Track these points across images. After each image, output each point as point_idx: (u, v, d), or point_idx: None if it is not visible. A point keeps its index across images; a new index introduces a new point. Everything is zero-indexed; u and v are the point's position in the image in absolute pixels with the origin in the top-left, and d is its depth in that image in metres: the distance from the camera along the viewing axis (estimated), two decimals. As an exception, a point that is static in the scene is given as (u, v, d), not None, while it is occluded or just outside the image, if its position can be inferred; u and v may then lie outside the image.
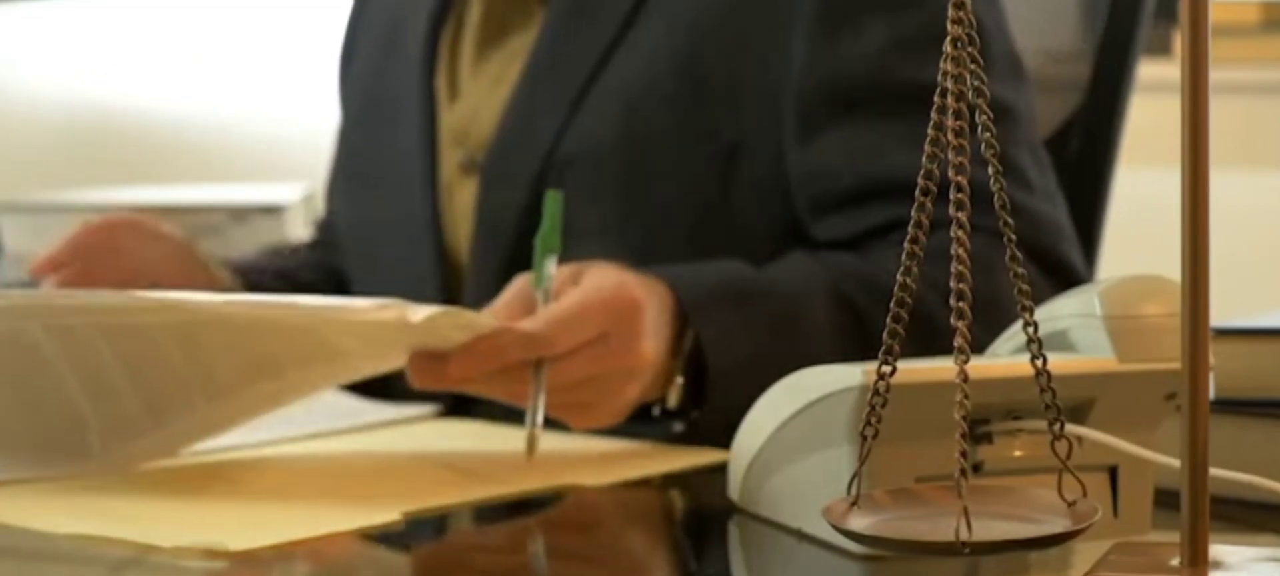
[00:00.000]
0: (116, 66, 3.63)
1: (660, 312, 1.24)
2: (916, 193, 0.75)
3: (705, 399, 1.25)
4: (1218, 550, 0.77)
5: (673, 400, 1.24)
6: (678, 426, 1.27)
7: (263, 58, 3.59)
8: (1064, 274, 1.38)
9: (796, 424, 0.95)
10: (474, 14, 1.53)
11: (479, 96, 1.51)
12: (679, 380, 1.25)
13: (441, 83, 1.53)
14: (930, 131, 0.74)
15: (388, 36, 1.59)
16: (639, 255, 1.32)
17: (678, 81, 1.42)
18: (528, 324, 1.19)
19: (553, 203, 1.26)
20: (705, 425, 1.24)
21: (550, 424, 1.28)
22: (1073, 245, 1.42)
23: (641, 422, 1.26)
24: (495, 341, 1.17)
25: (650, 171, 1.42)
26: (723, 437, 1.07)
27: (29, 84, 3.65)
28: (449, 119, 1.52)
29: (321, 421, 1.30)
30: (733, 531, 1.02)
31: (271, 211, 2.31)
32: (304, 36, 3.48)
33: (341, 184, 1.64)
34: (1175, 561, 0.76)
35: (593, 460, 1.19)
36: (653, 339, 1.23)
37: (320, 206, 1.84)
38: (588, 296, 1.21)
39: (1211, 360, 0.76)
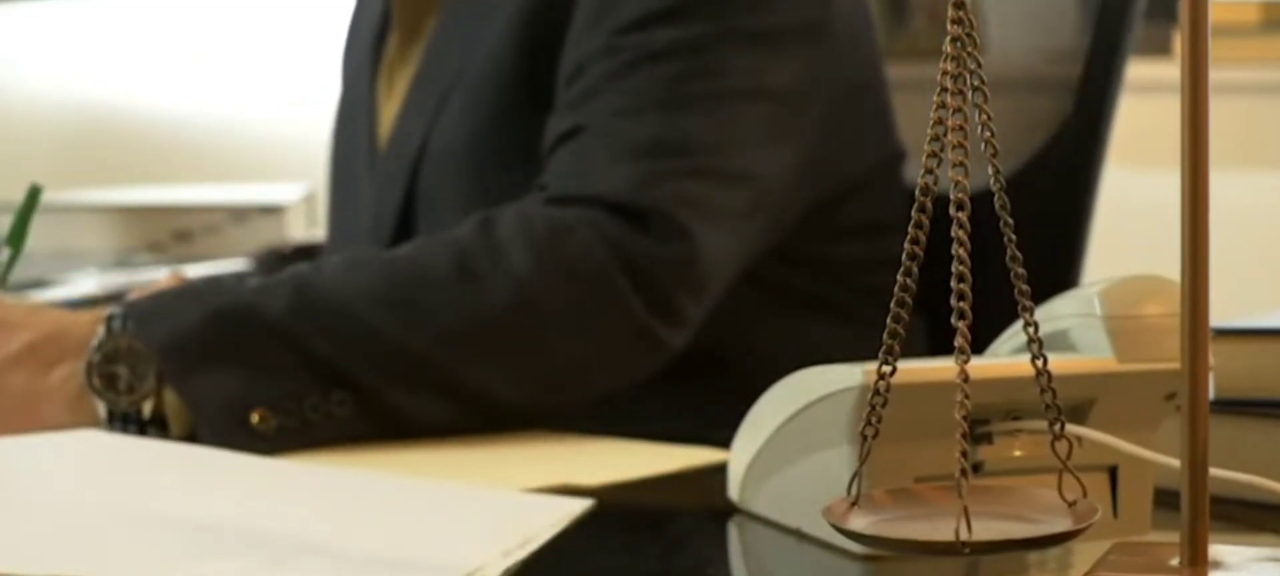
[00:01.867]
0: (116, 66, 3.63)
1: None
2: (917, 193, 0.74)
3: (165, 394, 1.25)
4: (1218, 550, 0.77)
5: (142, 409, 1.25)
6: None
7: (263, 58, 3.59)
8: (659, 224, 1.33)
9: (796, 424, 0.95)
10: (400, 15, 1.56)
11: (398, 97, 1.53)
12: (99, 404, 1.25)
13: (382, 84, 1.55)
14: (930, 130, 0.74)
15: (365, 40, 1.61)
16: None
17: (515, 62, 1.43)
18: None
19: (29, 195, 1.29)
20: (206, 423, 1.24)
21: (549, 423, 1.29)
22: (709, 198, 1.36)
23: (643, 424, 1.26)
24: None
25: (500, 156, 1.44)
26: (719, 436, 1.08)
27: (29, 84, 3.65)
28: (386, 121, 1.54)
29: None
30: (733, 531, 1.02)
31: (271, 211, 2.31)
32: (304, 36, 3.48)
33: (329, 186, 1.67)
34: (1175, 561, 0.76)
35: (592, 460, 1.19)
36: None
37: (320, 206, 1.85)
38: None
39: (1211, 360, 0.76)
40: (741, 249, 1.39)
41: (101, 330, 1.26)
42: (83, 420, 1.25)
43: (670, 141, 1.36)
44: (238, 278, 1.48)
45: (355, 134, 1.59)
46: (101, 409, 1.26)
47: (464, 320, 1.29)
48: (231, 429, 1.23)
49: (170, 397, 1.26)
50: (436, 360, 1.27)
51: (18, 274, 1.87)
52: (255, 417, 1.24)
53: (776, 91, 1.40)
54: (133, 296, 1.35)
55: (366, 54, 1.59)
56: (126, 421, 1.26)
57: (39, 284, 1.85)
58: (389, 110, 1.55)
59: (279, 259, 1.73)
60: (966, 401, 0.72)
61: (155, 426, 1.26)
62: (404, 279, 1.30)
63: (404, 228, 1.48)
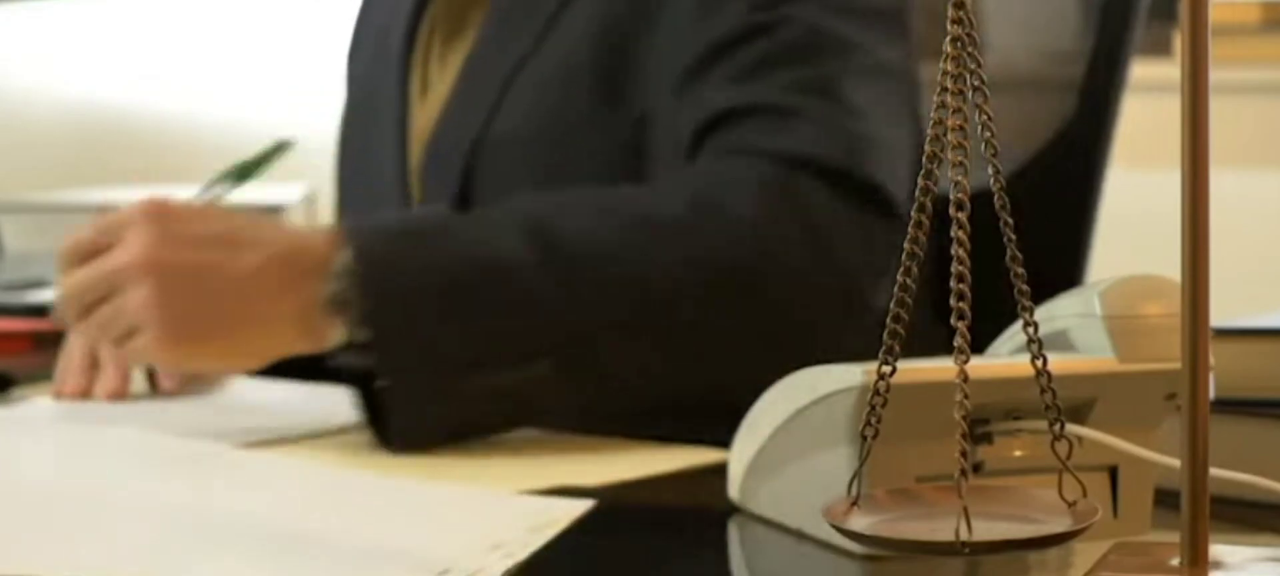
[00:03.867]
0: (116, 66, 3.63)
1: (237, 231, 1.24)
2: (916, 193, 0.74)
3: (386, 338, 1.23)
4: (1218, 550, 0.77)
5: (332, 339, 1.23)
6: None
7: (263, 58, 3.59)
8: (869, 193, 1.36)
9: (796, 424, 0.95)
10: (439, 11, 1.54)
11: (442, 92, 1.53)
12: (336, 330, 1.23)
13: (415, 81, 1.55)
14: (930, 130, 0.74)
15: (382, 36, 1.60)
16: None
17: (594, 58, 1.43)
18: None
19: (274, 148, 1.29)
20: (397, 367, 1.23)
21: (549, 424, 1.29)
22: (885, 162, 1.39)
23: (641, 424, 1.26)
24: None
25: (568, 151, 1.44)
26: (719, 436, 1.08)
27: (29, 84, 3.65)
28: (420, 116, 1.53)
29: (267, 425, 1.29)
30: (733, 531, 1.02)
31: (271, 211, 2.31)
32: (304, 36, 3.48)
33: (338, 183, 1.66)
34: (1175, 561, 0.76)
35: (592, 460, 1.19)
36: (169, 246, 1.23)
37: (320, 206, 1.85)
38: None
39: (1211, 360, 0.76)
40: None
41: (342, 257, 1.23)
42: (313, 344, 1.24)
43: (853, 110, 1.39)
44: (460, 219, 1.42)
45: (375, 132, 1.58)
46: (337, 336, 1.23)
47: (700, 263, 1.29)
48: (424, 398, 1.22)
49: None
50: (670, 299, 1.28)
51: (16, 274, 1.88)
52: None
53: (897, 70, 1.45)
54: (359, 223, 1.32)
55: (388, 52, 1.57)
56: (356, 350, 1.23)
57: (39, 284, 1.85)
58: (425, 107, 1.54)
59: None
60: (966, 401, 0.72)
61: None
62: (640, 216, 1.30)
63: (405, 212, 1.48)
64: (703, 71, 1.41)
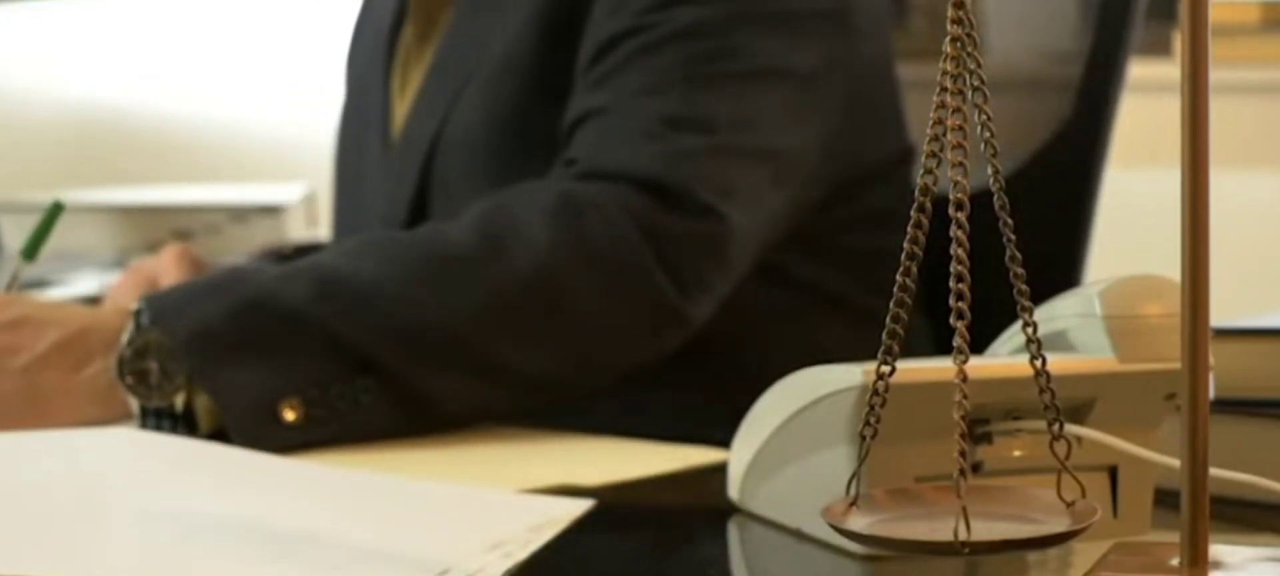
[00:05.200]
0: (116, 66, 3.63)
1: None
2: (916, 193, 0.74)
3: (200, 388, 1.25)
4: (1218, 550, 0.77)
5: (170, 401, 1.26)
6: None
7: (262, 58, 3.59)
8: (683, 201, 1.34)
9: (796, 424, 0.95)
10: (415, 10, 1.56)
11: (413, 92, 1.54)
12: (132, 399, 1.26)
13: (396, 80, 1.56)
14: (930, 130, 0.74)
15: (375, 38, 1.61)
16: None
17: (534, 53, 1.44)
18: None
19: (50, 213, 1.31)
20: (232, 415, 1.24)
21: (550, 423, 1.29)
22: (712, 173, 1.36)
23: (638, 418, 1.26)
24: None
25: (518, 146, 1.45)
26: (719, 436, 1.08)
27: (29, 84, 3.65)
28: (400, 115, 1.54)
29: None
30: (732, 531, 1.02)
31: (271, 211, 2.30)
32: (304, 36, 3.48)
33: (335, 183, 1.66)
34: (1175, 561, 0.76)
35: (591, 459, 1.19)
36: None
37: (320, 206, 1.86)
38: None
39: (1211, 360, 0.76)
40: (764, 225, 1.40)
41: (130, 325, 1.26)
42: (114, 416, 1.26)
43: (695, 119, 1.37)
44: (257, 266, 1.48)
45: (366, 131, 1.59)
46: (134, 404, 1.26)
47: (490, 295, 1.29)
48: (260, 424, 1.23)
49: (199, 393, 1.26)
50: (463, 336, 1.28)
51: (4, 273, 1.88)
52: (284, 411, 1.23)
53: (798, 72, 1.42)
54: (153, 291, 1.35)
55: (378, 51, 1.58)
56: (160, 416, 1.26)
57: (39, 284, 1.85)
58: (403, 105, 1.55)
59: (279, 259, 1.73)
60: (965, 401, 0.72)
61: (186, 421, 1.26)
62: (427, 256, 1.31)
63: (417, 218, 1.48)
64: (584, 71, 1.41)
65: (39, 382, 1.27)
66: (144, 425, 1.26)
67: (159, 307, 1.27)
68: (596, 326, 1.32)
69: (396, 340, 1.27)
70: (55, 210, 1.37)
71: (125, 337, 1.26)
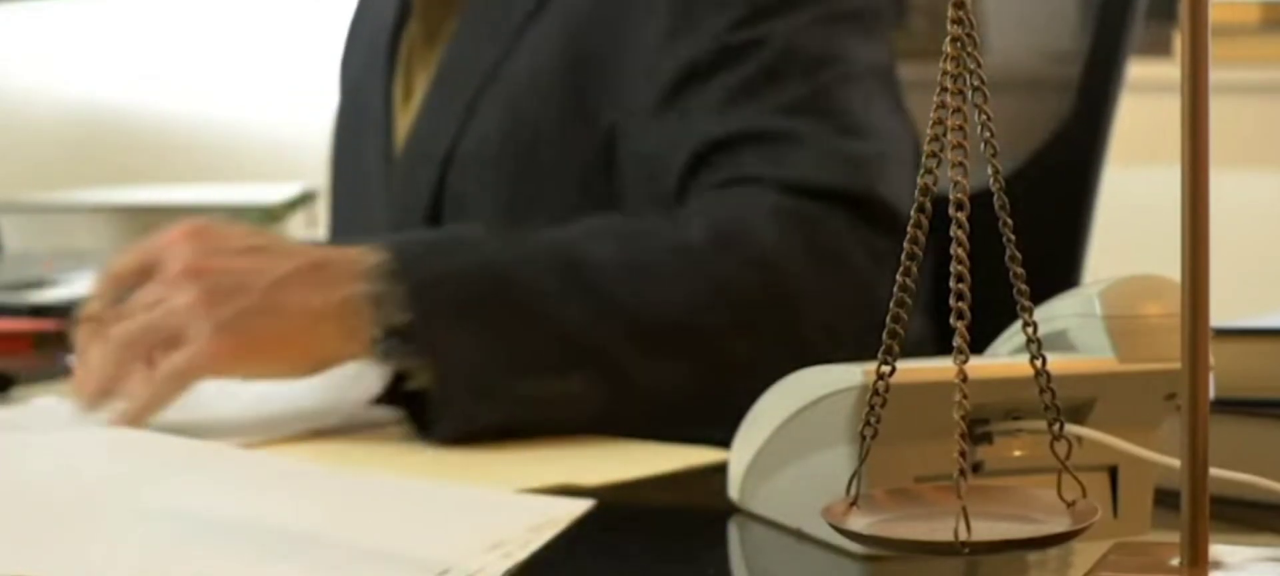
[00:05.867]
0: (116, 66, 3.63)
1: (293, 255, 1.26)
2: (916, 193, 0.74)
3: (430, 342, 1.25)
4: (1218, 550, 0.77)
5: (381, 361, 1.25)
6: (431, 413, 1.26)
7: (262, 58, 3.59)
8: (877, 208, 1.37)
9: (796, 424, 0.95)
10: (419, 14, 1.55)
11: (418, 98, 1.53)
12: (376, 320, 1.24)
13: (398, 85, 1.55)
14: (930, 130, 0.74)
15: (372, 42, 1.60)
16: None
17: (563, 74, 1.44)
18: None
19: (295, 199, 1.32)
20: (450, 391, 1.24)
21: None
22: (893, 179, 1.40)
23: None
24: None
25: (537, 165, 1.44)
26: (719, 436, 1.08)
27: (29, 84, 3.65)
28: (402, 122, 1.54)
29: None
30: (732, 531, 1.02)
31: (272, 211, 2.30)
32: (304, 36, 3.48)
33: (330, 187, 1.66)
34: (1175, 561, 0.76)
35: (591, 459, 1.19)
36: (225, 256, 1.25)
37: (319, 207, 1.85)
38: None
39: (1211, 360, 0.76)
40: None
41: (376, 257, 1.25)
42: (352, 345, 1.25)
43: (853, 127, 1.40)
44: (482, 234, 1.40)
45: (365, 136, 1.58)
46: (377, 330, 1.24)
47: (723, 287, 1.31)
48: (473, 397, 1.23)
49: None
50: (694, 325, 1.29)
51: (13, 274, 1.88)
52: (498, 391, 1.24)
53: (882, 67, 1.45)
54: (396, 238, 1.34)
55: (377, 53, 1.58)
56: (387, 353, 1.25)
57: (39, 284, 1.85)
58: (406, 111, 1.54)
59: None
60: (965, 401, 0.72)
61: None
62: (666, 248, 1.32)
63: (432, 229, 1.48)
64: (681, 95, 1.41)
65: (282, 301, 1.25)
66: (377, 358, 1.25)
67: (404, 254, 1.26)
68: (816, 330, 1.33)
69: (627, 331, 1.27)
70: (302, 199, 1.37)
71: (373, 268, 1.24)
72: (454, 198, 1.47)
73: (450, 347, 1.24)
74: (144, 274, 1.27)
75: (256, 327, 1.25)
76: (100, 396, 1.27)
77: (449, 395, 1.23)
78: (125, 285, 1.28)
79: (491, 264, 1.27)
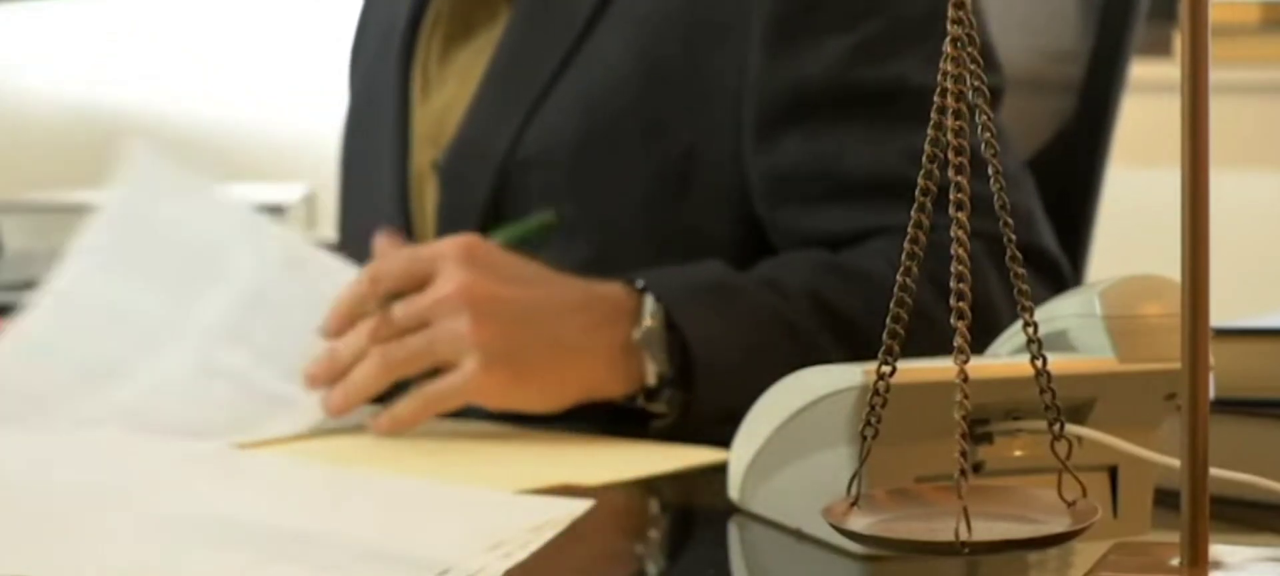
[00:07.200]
0: (116, 66, 3.63)
1: (573, 289, 1.26)
2: (916, 193, 0.74)
3: (693, 393, 1.25)
4: (1218, 550, 0.77)
5: (651, 381, 1.25)
6: (658, 423, 1.27)
7: (262, 58, 3.59)
8: (1039, 259, 1.38)
9: (796, 424, 0.95)
10: (443, 9, 1.53)
11: (448, 94, 1.51)
12: (651, 367, 1.25)
13: (417, 80, 1.53)
14: (930, 131, 0.74)
15: (385, 35, 1.59)
16: (594, 260, 1.32)
17: (637, 84, 1.41)
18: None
19: (540, 220, 1.29)
20: (692, 423, 1.24)
21: (549, 423, 1.28)
22: (1043, 227, 1.41)
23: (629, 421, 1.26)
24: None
25: (607, 175, 1.42)
26: (719, 436, 1.08)
27: (29, 84, 3.65)
28: (422, 116, 1.52)
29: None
30: (732, 531, 1.02)
31: (271, 211, 2.30)
32: (304, 37, 3.48)
33: (340, 184, 1.65)
34: (1175, 561, 0.76)
35: (591, 459, 1.19)
36: (500, 282, 1.25)
37: (320, 207, 1.85)
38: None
39: (1211, 360, 0.76)
40: None
41: (648, 301, 1.26)
42: (623, 387, 1.26)
43: (1010, 176, 1.40)
44: (737, 276, 1.38)
45: (377, 131, 1.56)
46: (652, 374, 1.25)
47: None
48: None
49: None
50: None
51: (13, 274, 1.87)
52: None
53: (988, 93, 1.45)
54: (656, 277, 1.32)
55: (390, 50, 1.55)
56: (654, 397, 1.26)
57: (36, 284, 1.85)
58: (425, 103, 1.52)
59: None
60: (966, 401, 0.72)
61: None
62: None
63: (488, 228, 1.45)
64: (800, 121, 1.38)
65: (560, 338, 1.25)
66: (651, 399, 1.26)
67: (673, 300, 1.26)
68: None
69: None
70: (548, 222, 1.37)
71: (650, 311, 1.25)
72: (516, 197, 1.44)
73: (717, 402, 1.23)
74: (412, 281, 1.27)
75: (531, 362, 1.25)
76: (353, 404, 1.27)
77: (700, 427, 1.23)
78: (391, 290, 1.27)
79: (763, 325, 1.27)
